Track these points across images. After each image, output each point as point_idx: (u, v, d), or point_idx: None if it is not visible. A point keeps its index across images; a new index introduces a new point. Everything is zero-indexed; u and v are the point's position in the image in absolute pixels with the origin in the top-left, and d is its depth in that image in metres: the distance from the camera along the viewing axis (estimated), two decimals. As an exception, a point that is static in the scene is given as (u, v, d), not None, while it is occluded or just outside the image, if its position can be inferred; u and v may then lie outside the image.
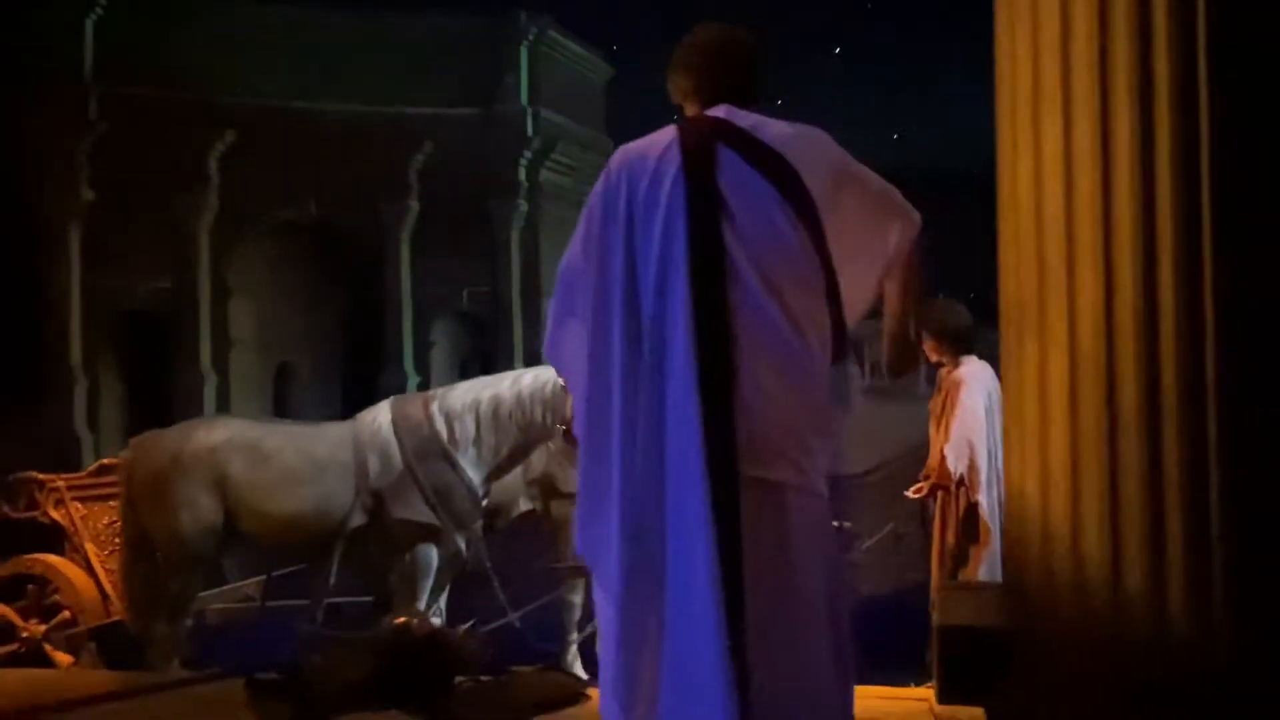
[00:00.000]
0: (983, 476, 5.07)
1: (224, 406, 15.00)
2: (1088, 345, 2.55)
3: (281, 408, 16.47)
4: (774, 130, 2.61)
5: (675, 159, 2.57)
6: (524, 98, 17.53)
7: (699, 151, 2.57)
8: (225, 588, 6.76)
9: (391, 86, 16.12)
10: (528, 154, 17.50)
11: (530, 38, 17.71)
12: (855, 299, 2.66)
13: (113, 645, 6.32)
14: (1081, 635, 2.54)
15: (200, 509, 5.64)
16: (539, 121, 17.38)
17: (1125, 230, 2.50)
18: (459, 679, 4.11)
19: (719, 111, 2.66)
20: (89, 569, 6.52)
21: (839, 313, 2.59)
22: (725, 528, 2.41)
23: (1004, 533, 2.66)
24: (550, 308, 2.82)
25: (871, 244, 2.69)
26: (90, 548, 6.59)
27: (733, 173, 2.54)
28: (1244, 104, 2.48)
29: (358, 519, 5.61)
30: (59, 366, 14.35)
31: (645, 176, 2.58)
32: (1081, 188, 2.56)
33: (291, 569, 6.18)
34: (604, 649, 2.65)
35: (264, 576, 6.37)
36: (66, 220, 14.73)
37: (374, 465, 5.64)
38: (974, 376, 5.10)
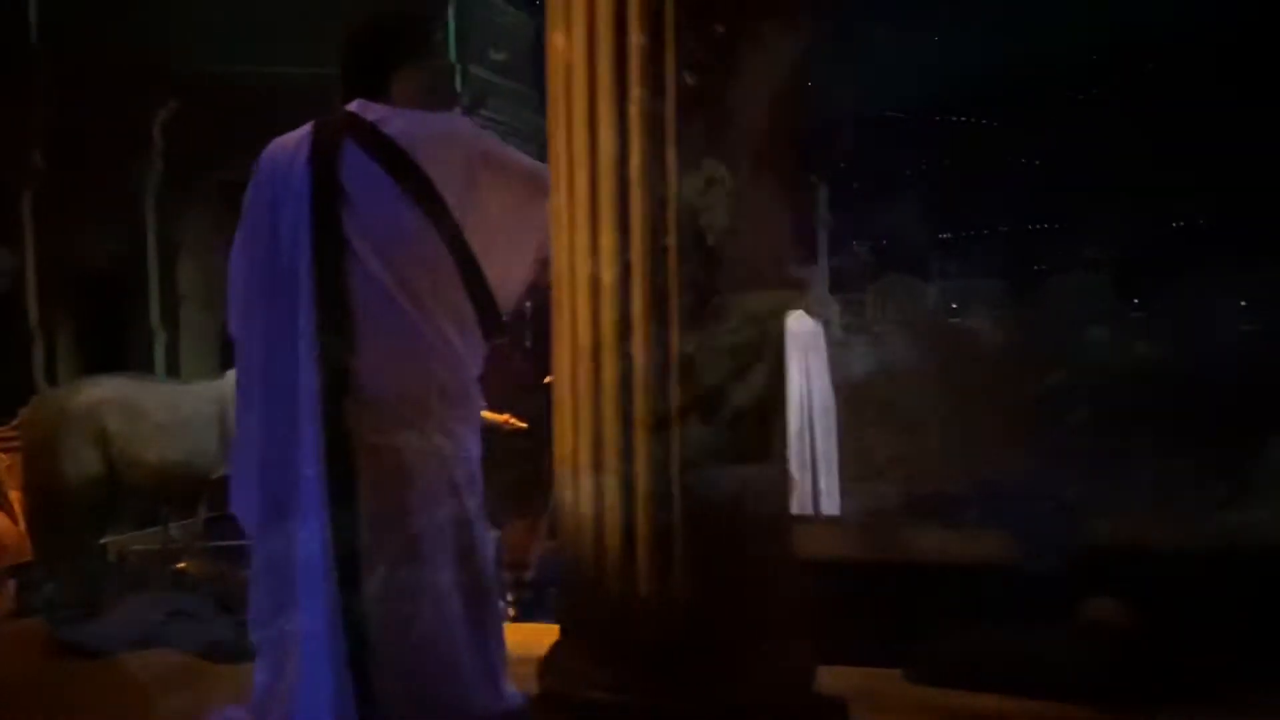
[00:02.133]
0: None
1: (174, 361, 15.63)
2: (584, 334, 2.62)
3: (231, 360, 16.86)
4: (400, 124, 2.73)
5: (306, 152, 2.75)
6: (453, 53, 17.68)
7: (325, 146, 2.74)
8: (147, 530, 7.52)
9: (324, 46, 16.32)
10: (457, 110, 17.76)
11: (460, -6, 17.92)
12: (507, 278, 2.81)
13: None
14: (581, 579, 2.69)
15: (83, 460, 6.34)
16: (468, 77, 17.59)
17: (607, 223, 2.57)
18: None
19: (353, 106, 2.81)
20: (12, 514, 7.35)
21: (484, 292, 2.73)
22: (339, 492, 2.53)
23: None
24: (228, 292, 3.02)
25: (521, 225, 2.81)
26: (15, 494, 7.37)
27: (355, 165, 2.69)
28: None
29: (222, 469, 6.08)
30: (18, 326, 15.12)
31: (284, 168, 2.77)
32: (579, 185, 2.60)
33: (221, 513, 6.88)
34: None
35: (186, 520, 7.03)
36: (20, 187, 15.39)
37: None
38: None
